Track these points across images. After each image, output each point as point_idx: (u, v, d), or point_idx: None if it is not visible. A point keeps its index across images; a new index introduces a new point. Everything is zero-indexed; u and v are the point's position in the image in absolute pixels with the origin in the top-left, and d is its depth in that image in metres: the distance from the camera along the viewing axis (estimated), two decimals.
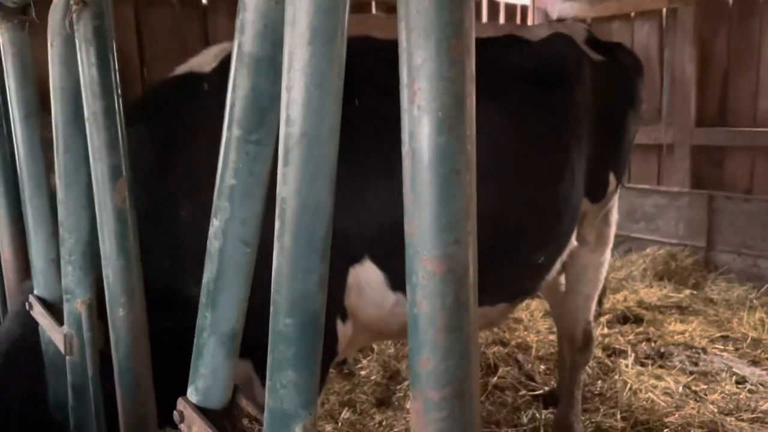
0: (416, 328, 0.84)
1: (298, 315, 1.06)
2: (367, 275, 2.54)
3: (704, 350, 4.53)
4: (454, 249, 0.82)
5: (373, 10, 5.89)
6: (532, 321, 5.17)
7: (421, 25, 0.78)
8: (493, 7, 7.17)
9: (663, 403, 3.81)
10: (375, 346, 4.60)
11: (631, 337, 4.80)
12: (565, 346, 3.66)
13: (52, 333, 2.01)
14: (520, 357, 4.53)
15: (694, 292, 5.63)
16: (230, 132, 1.15)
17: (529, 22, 7.42)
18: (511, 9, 7.37)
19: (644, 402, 3.85)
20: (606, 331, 4.89)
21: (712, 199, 6.08)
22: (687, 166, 6.41)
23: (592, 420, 3.69)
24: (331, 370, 3.42)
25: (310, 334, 1.07)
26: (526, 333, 4.93)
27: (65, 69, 1.75)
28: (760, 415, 3.67)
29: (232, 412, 1.38)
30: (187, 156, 2.40)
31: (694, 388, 4.00)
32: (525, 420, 3.75)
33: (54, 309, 2.08)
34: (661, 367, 4.32)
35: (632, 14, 6.82)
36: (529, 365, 4.42)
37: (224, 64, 2.51)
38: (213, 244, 1.23)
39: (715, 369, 4.24)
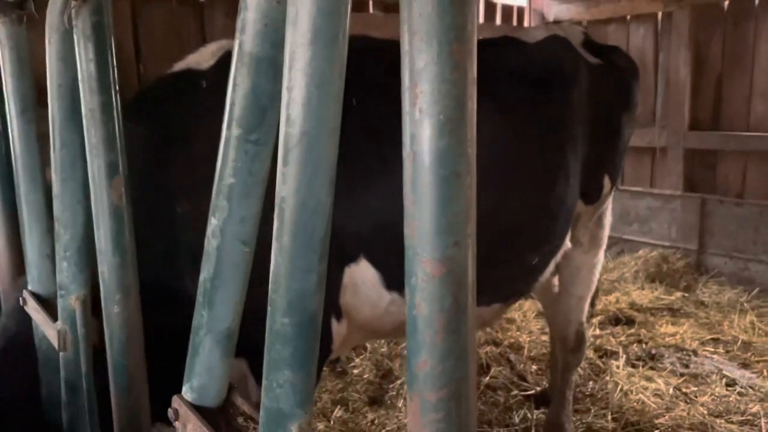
0: (415, 330, 0.85)
1: (296, 314, 1.06)
2: (362, 274, 2.55)
3: (695, 352, 4.56)
4: (453, 251, 0.82)
5: (371, 10, 5.89)
6: (525, 321, 5.18)
7: (423, 29, 0.78)
8: (490, 8, 7.19)
9: (653, 405, 3.83)
10: (368, 345, 4.61)
11: (622, 338, 4.82)
12: (558, 346, 3.68)
13: (46, 329, 2.01)
14: (512, 357, 4.55)
15: (686, 294, 5.66)
16: (230, 131, 1.15)
17: (525, 24, 7.43)
18: (507, 10, 7.38)
19: (635, 403, 3.87)
20: (598, 332, 4.91)
21: (705, 202, 6.12)
22: (680, 170, 6.44)
23: (583, 420, 3.71)
24: (324, 368, 3.42)
25: (307, 333, 1.08)
26: (518, 333, 4.94)
27: (63, 64, 1.74)
28: (750, 417, 3.70)
29: (227, 411, 1.38)
30: (184, 153, 2.40)
31: (684, 390, 4.02)
32: (517, 420, 3.76)
33: (48, 304, 2.07)
34: (652, 368, 4.34)
35: (628, 17, 6.85)
36: (521, 365, 4.44)
37: (222, 62, 2.50)
38: (211, 243, 1.24)
39: (706, 371, 4.27)
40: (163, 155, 2.38)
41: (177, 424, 1.36)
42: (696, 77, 6.35)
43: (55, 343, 1.93)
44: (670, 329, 4.94)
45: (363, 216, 2.45)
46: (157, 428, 2.02)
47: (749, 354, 4.54)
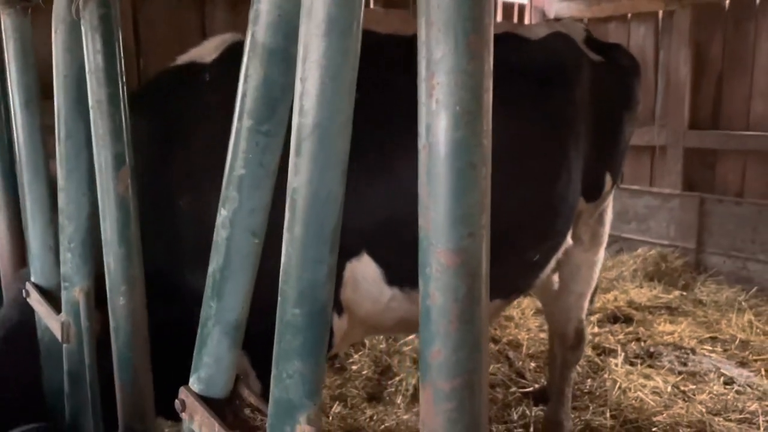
0: (428, 320, 0.85)
1: (306, 305, 1.06)
2: (363, 270, 2.55)
3: (693, 351, 4.57)
4: (468, 242, 0.83)
5: (372, 5, 5.89)
6: (523, 319, 5.19)
7: (441, 20, 0.79)
8: None
9: (652, 403, 3.85)
10: (366, 342, 4.61)
11: (620, 336, 4.83)
12: (557, 343, 3.69)
13: (49, 320, 2.01)
14: (510, 354, 4.56)
15: (684, 293, 5.67)
16: (241, 122, 1.15)
17: (526, 21, 7.43)
18: (508, 7, 7.39)
19: (633, 401, 3.88)
20: (596, 330, 4.92)
21: (704, 201, 6.14)
22: (679, 168, 6.45)
23: (582, 418, 3.71)
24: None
25: (317, 324, 1.08)
26: (517, 330, 4.95)
27: (69, 56, 1.74)
28: (748, 415, 3.72)
29: (234, 402, 1.38)
30: (187, 146, 2.40)
31: (682, 388, 4.04)
32: (515, 417, 3.77)
33: (51, 296, 2.07)
34: (650, 366, 4.35)
35: (629, 15, 6.86)
36: (520, 363, 4.45)
37: (225, 55, 2.50)
38: (220, 234, 1.24)
39: (704, 369, 4.29)
40: (166, 148, 2.38)
41: (184, 415, 1.36)
42: (696, 76, 6.36)
43: (59, 335, 1.93)
44: (669, 328, 4.96)
45: (365, 211, 2.45)
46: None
47: (747, 353, 4.56)
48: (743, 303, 5.42)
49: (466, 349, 0.84)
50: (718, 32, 6.23)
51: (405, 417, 3.73)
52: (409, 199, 2.78)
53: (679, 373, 4.25)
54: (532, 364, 4.44)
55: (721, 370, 4.26)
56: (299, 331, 1.07)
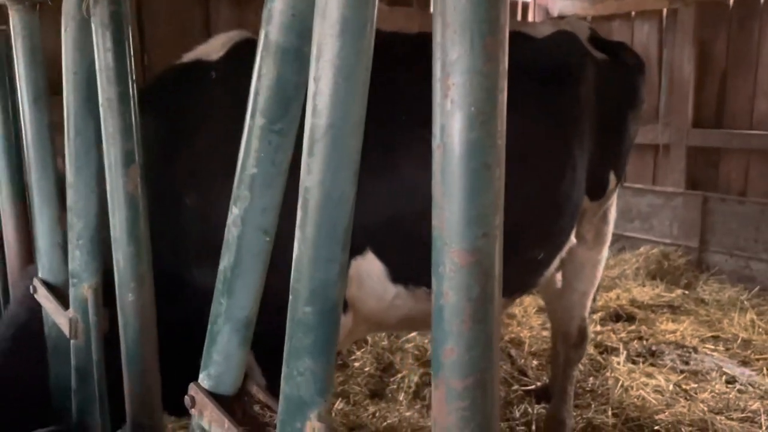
0: (441, 319, 0.86)
1: (318, 303, 1.07)
2: (368, 267, 2.56)
3: (695, 350, 4.58)
4: (482, 242, 0.83)
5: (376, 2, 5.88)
6: (526, 317, 5.20)
7: (457, 22, 0.79)
8: None
9: (654, 401, 3.85)
10: (369, 338, 4.63)
11: (623, 335, 4.84)
12: (560, 342, 3.69)
13: (57, 316, 2.02)
14: (513, 352, 4.57)
15: (686, 292, 5.68)
16: (253, 121, 1.16)
17: (530, 19, 7.43)
18: (512, 5, 7.38)
19: (635, 399, 3.89)
20: (598, 328, 4.93)
21: (707, 200, 6.14)
22: (682, 167, 6.46)
23: (584, 416, 3.72)
24: None
25: (328, 322, 1.09)
26: (519, 328, 4.96)
27: (78, 53, 1.74)
28: (750, 414, 3.72)
29: (243, 398, 1.39)
30: (193, 144, 2.40)
31: (684, 386, 4.05)
32: (517, 414, 3.78)
33: (58, 292, 2.08)
34: (652, 365, 4.36)
35: (633, 14, 6.85)
36: (522, 360, 4.46)
37: (232, 53, 2.51)
38: (231, 232, 1.24)
39: (706, 368, 4.30)
40: (172, 146, 2.39)
41: (193, 411, 1.37)
42: (700, 75, 6.36)
43: (66, 331, 1.94)
44: (671, 326, 4.96)
45: (369, 209, 2.46)
46: None
47: (749, 352, 4.57)
48: (746, 302, 5.42)
49: (479, 349, 0.85)
50: (722, 31, 6.22)
51: (407, 414, 3.75)
52: (413, 197, 2.78)
53: (681, 371, 4.25)
54: (534, 362, 4.45)
55: (723, 369, 4.27)
56: (310, 329, 1.08)
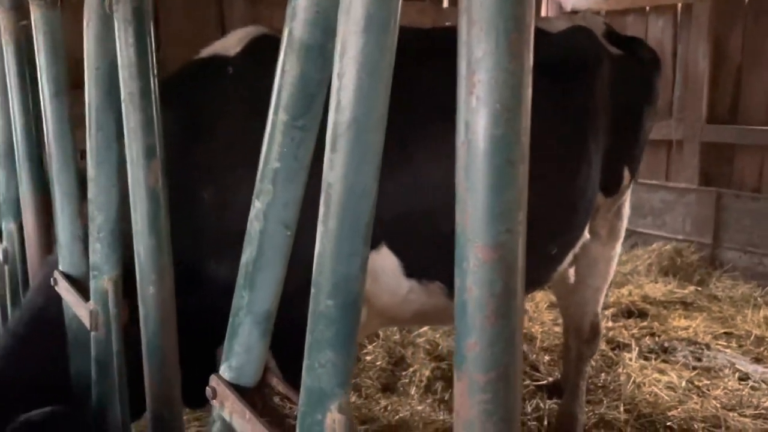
0: (464, 313, 0.87)
1: (340, 296, 1.09)
2: (382, 262, 2.57)
3: (708, 346, 4.57)
4: (506, 237, 0.84)
5: None
6: (537, 312, 5.21)
7: (483, 19, 0.80)
8: None
9: (666, 397, 3.85)
10: (380, 332, 4.65)
11: (635, 331, 4.84)
12: (572, 337, 3.70)
13: (77, 308, 2.04)
14: (524, 348, 4.57)
15: (699, 288, 5.66)
16: (276, 116, 1.17)
17: (543, 14, 7.40)
18: None
19: (647, 395, 3.89)
20: (610, 324, 4.93)
21: (720, 196, 6.10)
22: (696, 163, 6.42)
23: (596, 411, 3.73)
24: None
25: (350, 315, 1.10)
26: (530, 324, 4.96)
27: (100, 48, 1.76)
28: (763, 411, 3.72)
29: (264, 390, 1.41)
30: (211, 139, 2.42)
31: (697, 383, 4.04)
32: (529, 410, 3.79)
33: (79, 285, 2.11)
34: (664, 361, 4.36)
35: (647, 8, 6.81)
36: (534, 356, 4.46)
37: (249, 48, 2.52)
38: (254, 226, 1.26)
39: (719, 365, 4.29)
40: (190, 140, 2.41)
41: (215, 402, 1.39)
42: (714, 70, 6.32)
43: (87, 323, 1.97)
44: (683, 323, 4.95)
45: (385, 204, 2.47)
46: None
47: (762, 349, 4.55)
48: (759, 299, 5.40)
49: (502, 343, 0.86)
50: (737, 26, 6.17)
51: (419, 407, 3.77)
52: (428, 191, 2.79)
53: (694, 368, 4.25)
54: (546, 358, 4.46)
55: (736, 366, 4.26)
56: (332, 322, 1.10)
